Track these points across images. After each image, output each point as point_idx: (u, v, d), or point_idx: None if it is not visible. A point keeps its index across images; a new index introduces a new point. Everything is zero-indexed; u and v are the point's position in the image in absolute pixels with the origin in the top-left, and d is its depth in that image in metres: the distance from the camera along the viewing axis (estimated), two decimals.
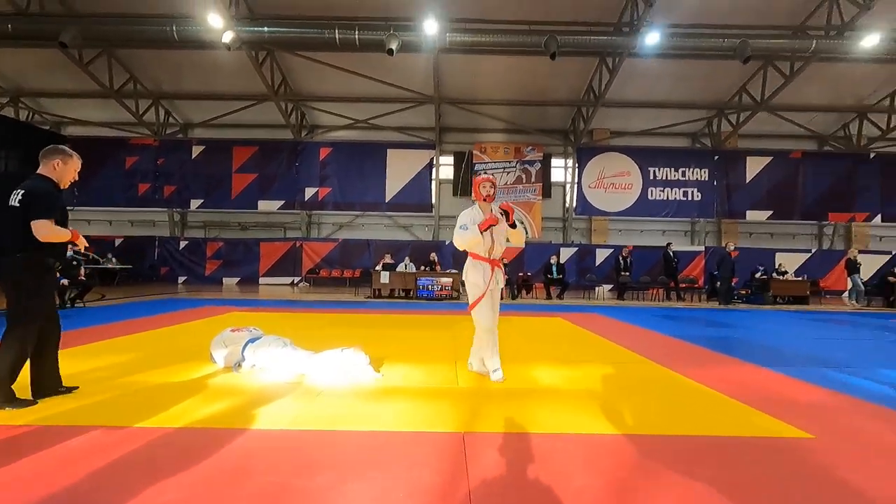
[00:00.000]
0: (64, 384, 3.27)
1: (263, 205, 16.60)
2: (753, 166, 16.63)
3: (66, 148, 3.16)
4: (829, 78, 14.27)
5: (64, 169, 3.11)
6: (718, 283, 12.42)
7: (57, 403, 3.03)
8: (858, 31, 11.32)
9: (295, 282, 15.94)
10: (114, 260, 14.85)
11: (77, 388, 3.31)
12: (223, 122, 16.48)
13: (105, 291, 10.59)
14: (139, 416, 2.80)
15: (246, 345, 4.05)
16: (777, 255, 15.59)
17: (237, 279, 15.97)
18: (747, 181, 16.64)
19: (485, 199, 3.93)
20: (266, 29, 11.50)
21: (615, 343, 5.78)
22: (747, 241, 16.96)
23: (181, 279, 15.87)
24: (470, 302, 3.94)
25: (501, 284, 4.10)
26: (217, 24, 10.90)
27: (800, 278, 13.52)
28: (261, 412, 2.94)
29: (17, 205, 2.88)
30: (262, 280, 15.92)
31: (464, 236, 3.84)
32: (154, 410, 2.92)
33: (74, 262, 8.59)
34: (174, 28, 11.20)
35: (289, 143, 16.60)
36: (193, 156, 16.53)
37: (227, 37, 11.01)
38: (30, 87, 15.52)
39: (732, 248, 12.63)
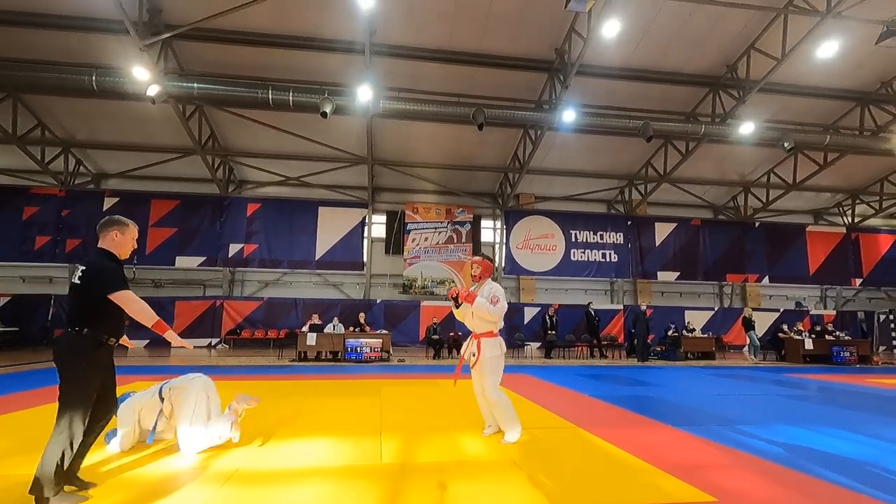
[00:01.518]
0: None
1: (182, 261, 15.62)
2: (662, 231, 18.29)
3: (122, 217, 3.07)
4: (717, 156, 16.37)
5: (122, 240, 3.04)
6: (636, 340, 13.18)
7: None
8: (737, 120, 13.22)
9: (213, 343, 14.85)
10: None
11: (95, 485, 2.90)
12: (142, 174, 15.68)
13: None
14: None
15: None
16: (686, 312, 16.93)
17: (146, 341, 14.58)
18: (657, 244, 18.20)
19: (472, 279, 4.30)
20: (196, 85, 11.35)
21: (542, 406, 5.88)
22: (660, 300, 18.30)
23: None
24: None
25: (476, 356, 4.20)
26: (142, 77, 10.62)
27: (706, 335, 14.68)
28: None
29: (78, 282, 2.80)
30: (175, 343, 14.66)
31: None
32: None
33: None
34: (94, 77, 10.74)
35: (213, 198, 16.01)
36: (105, 208, 15.39)
37: (153, 90, 10.71)
38: None
39: (645, 306, 13.56)
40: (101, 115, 13.68)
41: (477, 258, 4.38)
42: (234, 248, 15.90)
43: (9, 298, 14.39)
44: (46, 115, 13.79)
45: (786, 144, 13.05)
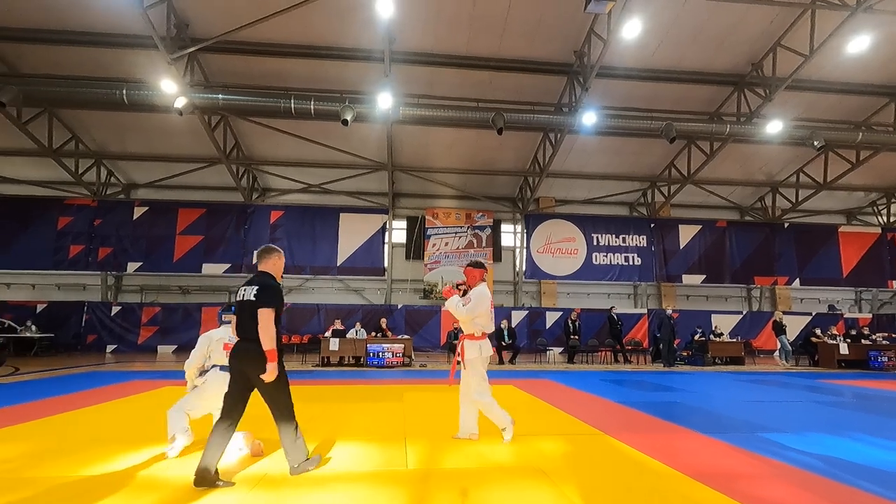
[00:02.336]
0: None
1: (208, 268, 15.98)
2: (686, 233, 17.93)
3: (276, 246, 3.60)
4: (743, 156, 15.99)
5: (280, 264, 3.55)
6: (661, 344, 12.92)
7: None
8: (764, 119, 12.90)
9: None
10: (33, 328, 13.60)
11: (233, 483, 3.14)
12: (169, 184, 16.12)
13: (19, 364, 9.60)
14: None
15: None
16: (713, 316, 16.53)
17: (174, 347, 14.96)
18: (681, 247, 17.84)
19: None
20: (221, 96, 11.64)
21: (566, 412, 5.81)
22: (685, 304, 17.92)
23: (110, 348, 14.68)
24: None
25: (462, 358, 4.37)
26: (170, 90, 10.94)
27: (734, 339, 14.30)
28: None
29: (253, 298, 3.21)
30: None
31: None
32: None
33: None
34: (124, 92, 11.11)
35: (238, 206, 16.36)
36: (135, 217, 15.88)
37: (180, 102, 11.03)
38: None
39: (671, 310, 13.30)
40: (130, 127, 14.13)
41: (465, 268, 4.52)
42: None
43: (45, 305, 14.93)
44: (79, 128, 14.32)
45: (815, 143, 12.66)
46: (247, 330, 3.22)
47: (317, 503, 2.83)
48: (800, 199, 17.58)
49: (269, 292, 3.24)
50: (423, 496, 2.96)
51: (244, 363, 3.20)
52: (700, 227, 18.05)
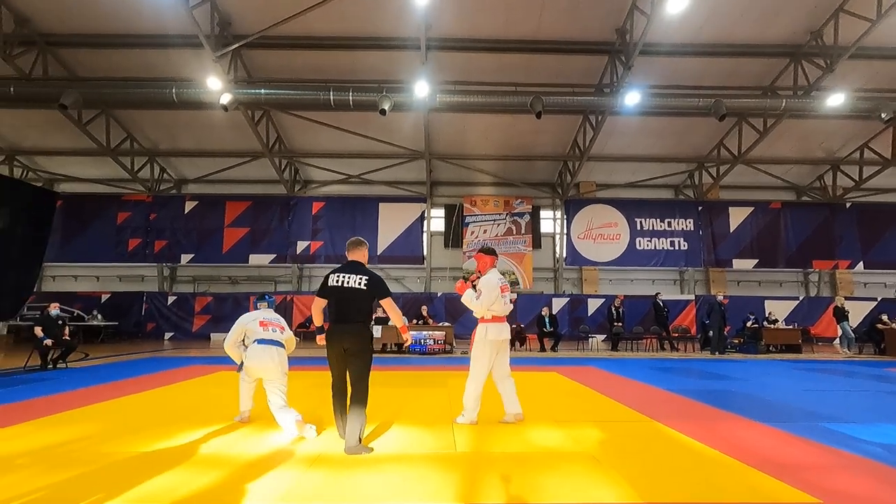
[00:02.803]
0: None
1: (255, 258, 16.57)
2: (736, 216, 17.10)
3: (363, 239, 4.02)
4: (801, 133, 15.04)
5: (367, 255, 3.97)
6: (710, 332, 12.44)
7: (27, 478, 2.89)
8: (824, 91, 12.06)
9: None
10: (99, 317, 14.55)
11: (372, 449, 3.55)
12: (217, 178, 16.75)
13: (89, 350, 10.30)
14: (126, 495, 2.67)
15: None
16: (766, 302, 15.75)
17: (225, 334, 15.62)
18: (731, 230, 17.05)
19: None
20: (263, 91, 11.94)
21: (613, 399, 5.71)
22: (736, 290, 17.17)
23: (168, 335, 15.52)
24: None
25: (473, 338, 4.54)
26: (215, 87, 11.31)
27: (790, 326, 13.60)
28: (251, 487, 2.82)
29: (364, 287, 3.66)
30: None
31: None
32: (142, 487, 2.79)
33: (59, 322, 8.40)
34: (174, 90, 11.58)
35: (281, 198, 16.83)
36: (186, 211, 16.64)
37: (225, 98, 11.39)
38: (26, 146, 15.75)
39: (721, 297, 12.76)
40: (180, 124, 14.75)
41: (476, 254, 4.66)
42: (301, 246, 16.65)
43: (108, 296, 15.92)
44: (134, 127, 15.06)
45: (883, 115, 11.73)
46: (349, 314, 3.64)
47: (371, 483, 2.90)
48: (864, 176, 16.39)
49: (382, 284, 3.79)
50: (475, 478, 2.99)
51: (346, 341, 3.60)
52: (752, 209, 17.17)
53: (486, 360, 4.32)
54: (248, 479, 2.96)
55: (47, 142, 15.31)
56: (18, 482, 2.86)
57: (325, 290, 3.74)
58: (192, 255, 16.51)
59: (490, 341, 4.28)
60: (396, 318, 3.87)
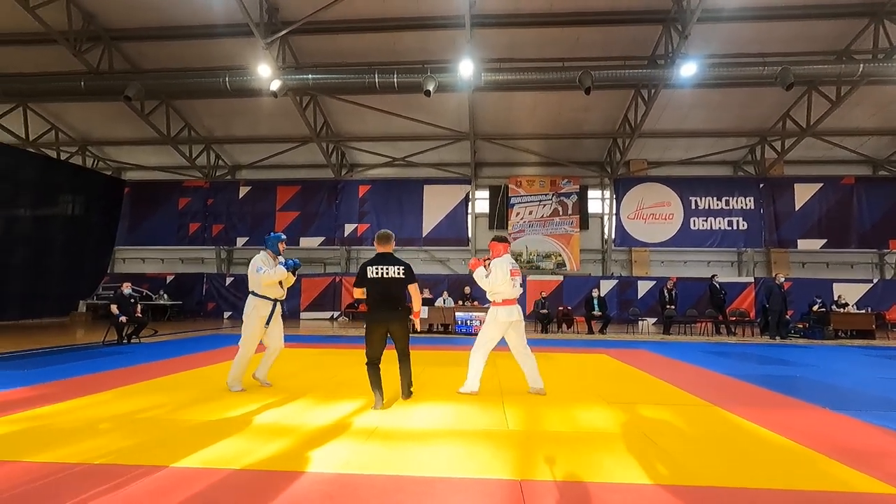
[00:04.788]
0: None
1: (305, 241, 17.12)
2: (803, 193, 15.99)
3: (391, 232, 4.48)
4: (879, 101, 13.76)
5: (394, 245, 4.42)
6: (769, 316, 11.79)
7: (111, 440, 3.15)
8: None
9: (334, 316, 16.18)
10: (165, 296, 15.54)
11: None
12: (268, 164, 17.31)
13: (157, 327, 11.05)
14: (198, 455, 2.87)
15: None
16: (835, 285, 14.70)
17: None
18: (797, 209, 15.98)
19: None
20: (310, 76, 12.14)
21: (666, 382, 5.55)
22: (801, 272, 16.14)
23: (227, 314, 16.39)
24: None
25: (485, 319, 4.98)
26: (266, 74, 11.61)
27: (863, 311, 12.67)
28: (313, 455, 2.95)
29: (403, 276, 4.22)
30: (302, 314, 16.23)
31: None
32: (213, 449, 2.99)
33: (132, 300, 9.03)
34: (227, 79, 11.99)
35: (329, 182, 17.21)
36: (240, 196, 17.36)
37: (275, 85, 11.68)
38: (95, 137, 16.83)
39: (783, 279, 12.04)
40: (232, 112, 15.28)
41: (490, 242, 5.01)
42: (348, 228, 17.03)
43: (172, 277, 16.94)
44: (191, 116, 15.75)
45: None
46: (392, 301, 4.21)
47: (427, 455, 2.97)
48: None
49: (412, 271, 4.33)
50: (529, 455, 2.99)
51: (393, 325, 4.24)
52: (820, 185, 15.99)
53: (491, 337, 4.75)
54: (310, 447, 3.10)
55: (114, 132, 16.30)
56: (103, 444, 3.12)
57: (364, 281, 4.23)
58: (247, 239, 17.26)
59: (501, 322, 4.66)
60: (418, 302, 4.45)
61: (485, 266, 4.82)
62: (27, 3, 10.60)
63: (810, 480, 2.67)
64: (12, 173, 12.41)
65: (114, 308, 8.66)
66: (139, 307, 9.28)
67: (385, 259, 4.27)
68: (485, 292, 4.91)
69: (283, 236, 5.16)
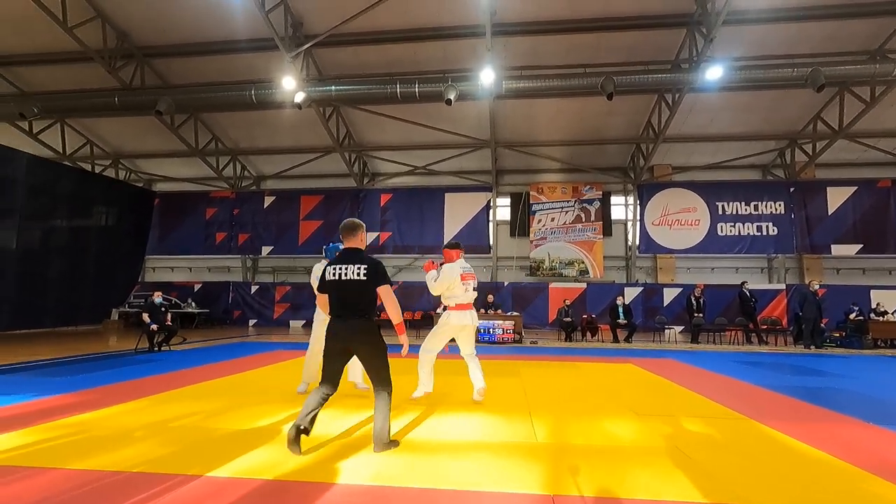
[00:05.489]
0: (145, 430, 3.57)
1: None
2: (836, 197, 15.47)
3: (358, 220, 3.57)
4: None
5: (365, 238, 3.57)
6: (803, 324, 11.40)
7: (145, 449, 3.22)
8: None
9: None
10: (193, 304, 15.89)
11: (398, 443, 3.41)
12: (292, 174, 17.62)
13: (186, 334, 11.30)
14: (230, 465, 2.91)
15: None
16: (873, 292, 14.15)
17: (303, 322, 16.55)
18: (830, 213, 15.45)
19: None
20: (333, 88, 12.35)
21: (697, 393, 5.41)
22: (835, 278, 15.59)
23: (252, 322, 16.67)
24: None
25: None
26: (290, 87, 11.85)
27: None
28: (343, 465, 2.97)
29: (364, 277, 3.26)
30: None
31: None
32: (245, 459, 3.03)
33: (162, 308, 9.27)
34: (253, 92, 12.29)
35: (351, 192, 17.42)
36: (265, 205, 17.69)
37: (299, 97, 11.92)
38: (128, 150, 17.41)
39: (817, 285, 11.65)
40: (257, 124, 15.63)
41: (443, 249, 5.13)
42: (370, 237, 17.16)
43: (200, 285, 17.34)
44: (218, 128, 16.17)
45: None
46: (350, 308, 3.28)
47: (456, 468, 2.95)
48: None
49: (380, 270, 3.34)
50: (560, 468, 2.94)
51: (350, 339, 3.28)
52: (855, 188, 15.44)
53: (440, 339, 4.94)
54: (340, 457, 3.11)
55: (145, 145, 16.84)
56: (140, 452, 3.19)
57: (323, 285, 3.40)
58: (272, 247, 17.56)
59: (452, 326, 4.84)
60: (394, 311, 3.39)
61: (437, 270, 4.94)
62: (66, 24, 11.08)
63: (855, 499, 2.55)
64: (50, 186, 12.92)
65: (145, 317, 8.90)
66: (169, 315, 9.51)
67: (348, 256, 3.39)
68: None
69: (342, 245, 4.77)
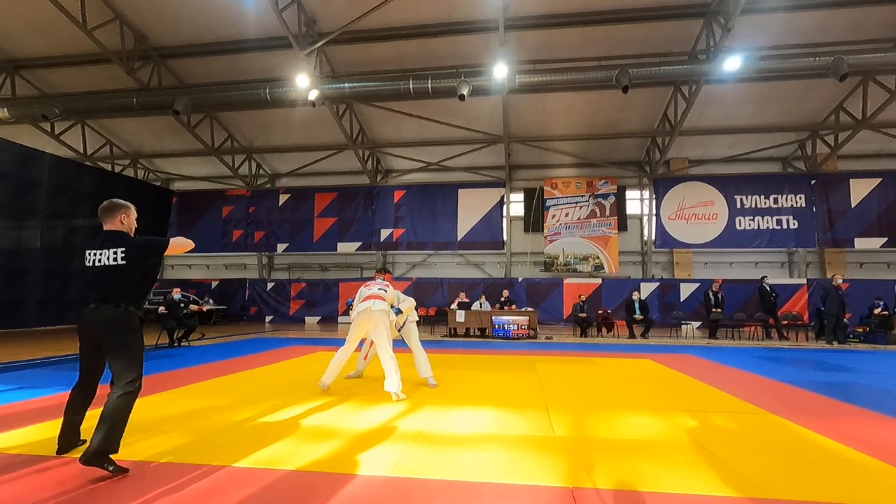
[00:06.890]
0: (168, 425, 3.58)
1: (342, 247, 17.44)
2: (859, 189, 15.10)
3: (123, 201, 3.12)
4: None
5: (130, 220, 3.10)
6: (825, 319, 11.16)
7: (170, 440, 3.28)
8: None
9: None
10: (211, 301, 16.14)
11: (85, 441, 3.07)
12: (306, 172, 17.76)
13: (204, 331, 11.49)
14: (253, 457, 2.95)
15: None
16: None
17: (318, 318, 16.71)
18: (853, 206, 15.09)
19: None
20: (346, 85, 12.39)
21: (717, 388, 5.34)
22: (858, 272, 15.23)
23: (268, 318, 16.87)
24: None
25: None
26: (304, 84, 11.92)
27: None
28: (362, 457, 2.99)
29: (122, 262, 2.87)
30: (340, 319, 16.51)
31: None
32: (267, 450, 3.07)
33: (181, 305, 9.43)
34: (267, 90, 12.38)
35: (365, 188, 17.49)
36: (280, 203, 17.87)
37: (313, 95, 11.98)
38: (146, 150, 17.70)
39: (840, 280, 11.39)
40: (271, 122, 15.77)
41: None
42: (384, 233, 17.24)
43: (217, 282, 17.60)
44: (233, 127, 16.35)
45: None
46: (102, 296, 2.90)
47: (474, 461, 2.95)
48: None
49: (144, 244, 2.97)
50: (577, 462, 2.93)
51: (96, 331, 2.91)
52: (879, 179, 15.05)
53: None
54: (359, 449, 3.14)
55: (162, 145, 17.10)
56: (163, 442, 3.26)
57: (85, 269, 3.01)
58: (287, 245, 17.74)
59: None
60: (181, 247, 3.16)
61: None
62: (85, 26, 11.28)
63: (881, 495, 2.50)
64: (72, 186, 13.17)
65: (161, 309, 9.09)
66: (193, 307, 9.68)
67: (105, 240, 2.93)
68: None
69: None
